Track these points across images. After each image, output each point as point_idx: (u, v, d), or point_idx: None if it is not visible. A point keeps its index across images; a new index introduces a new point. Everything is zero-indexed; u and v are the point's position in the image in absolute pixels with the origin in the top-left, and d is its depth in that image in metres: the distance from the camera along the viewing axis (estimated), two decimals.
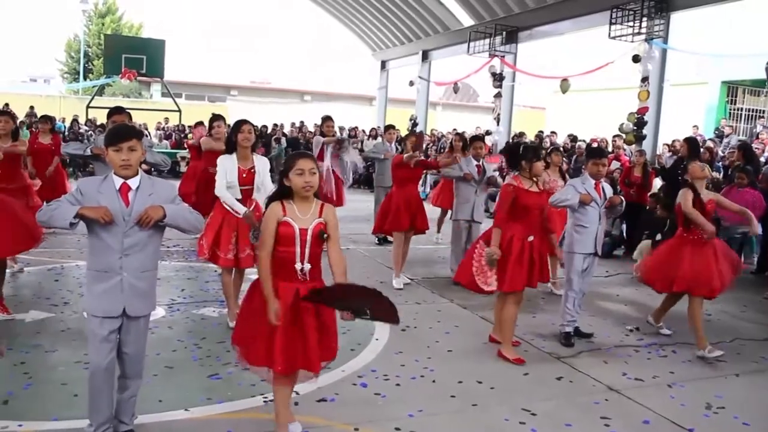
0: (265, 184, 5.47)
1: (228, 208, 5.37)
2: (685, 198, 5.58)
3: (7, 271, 6.89)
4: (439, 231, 10.48)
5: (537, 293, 7.09)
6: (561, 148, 9.79)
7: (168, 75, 22.41)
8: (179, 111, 21.87)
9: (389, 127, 10.52)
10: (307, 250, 3.36)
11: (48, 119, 9.96)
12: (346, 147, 9.42)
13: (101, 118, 20.37)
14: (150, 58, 20.96)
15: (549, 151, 8.34)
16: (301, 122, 23.24)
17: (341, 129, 21.37)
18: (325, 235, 3.41)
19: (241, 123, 5.44)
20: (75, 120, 21.18)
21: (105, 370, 3.26)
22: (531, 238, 5.15)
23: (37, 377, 4.28)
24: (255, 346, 3.40)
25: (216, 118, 7.30)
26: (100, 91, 25.40)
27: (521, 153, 5.32)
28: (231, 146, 5.42)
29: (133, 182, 3.26)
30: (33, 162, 9.02)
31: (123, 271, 3.23)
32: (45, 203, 3.64)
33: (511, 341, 5.30)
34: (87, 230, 3.25)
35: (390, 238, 8.14)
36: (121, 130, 3.32)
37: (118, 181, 3.24)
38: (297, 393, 4.04)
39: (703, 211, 5.53)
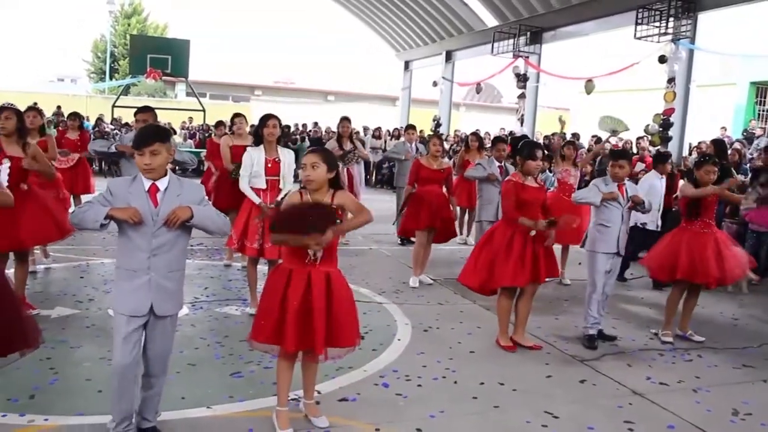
0: (286, 178, 5.75)
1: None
2: (684, 187, 5.99)
3: (39, 266, 7.04)
4: (461, 232, 10.40)
5: (560, 295, 7.04)
6: (574, 142, 9.76)
7: (192, 75, 22.54)
8: (203, 111, 22.01)
9: (409, 127, 10.51)
10: None
11: (77, 116, 10.19)
12: (351, 159, 9.39)
13: (126, 117, 20.62)
14: (175, 58, 21.10)
15: (562, 145, 8.50)
16: (315, 123, 23.29)
17: (365, 129, 21.38)
18: (338, 221, 3.57)
19: (267, 117, 5.73)
20: (100, 119, 21.45)
21: (129, 367, 3.28)
22: (533, 233, 5.25)
23: (62, 373, 4.34)
24: (265, 325, 3.54)
25: (237, 115, 7.54)
26: (126, 90, 25.58)
27: (518, 148, 5.40)
28: (258, 139, 5.72)
29: (161, 183, 3.29)
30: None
31: (151, 271, 3.26)
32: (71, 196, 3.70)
33: (506, 330, 5.45)
34: (117, 230, 3.29)
35: (413, 239, 8.11)
36: (145, 133, 3.31)
37: (147, 182, 3.27)
38: (319, 392, 4.06)
39: (701, 201, 5.74)
